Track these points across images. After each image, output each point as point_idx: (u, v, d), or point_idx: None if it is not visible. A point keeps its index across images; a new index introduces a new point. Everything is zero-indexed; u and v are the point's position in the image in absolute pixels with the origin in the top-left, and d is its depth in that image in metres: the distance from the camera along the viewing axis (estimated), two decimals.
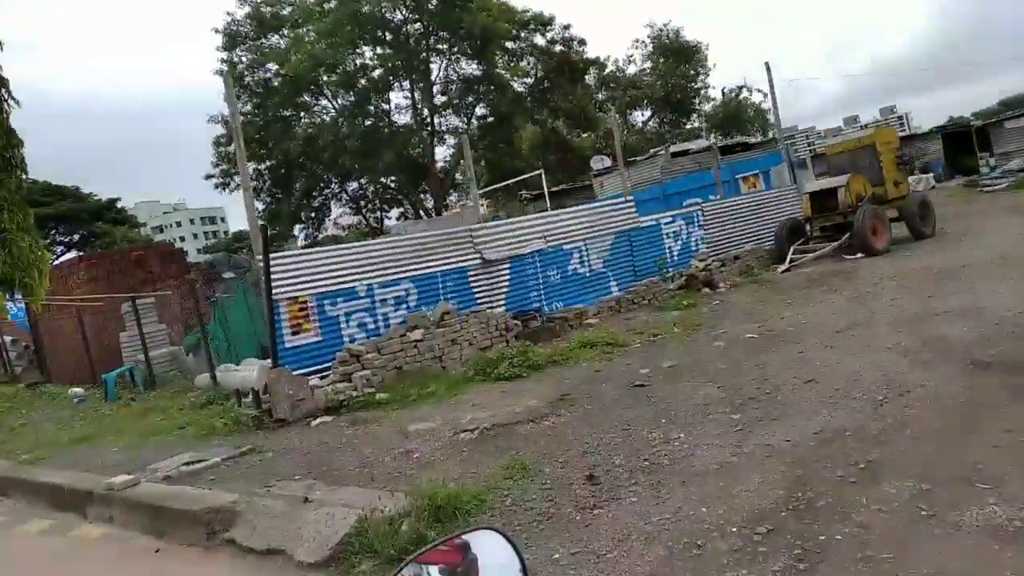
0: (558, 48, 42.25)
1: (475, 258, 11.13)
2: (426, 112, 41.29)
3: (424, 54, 39.99)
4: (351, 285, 9.82)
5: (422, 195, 45.63)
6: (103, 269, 16.52)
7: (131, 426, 9.69)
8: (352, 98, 41.03)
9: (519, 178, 37.98)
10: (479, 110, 43.58)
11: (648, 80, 56.01)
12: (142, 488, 6.18)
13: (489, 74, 38.11)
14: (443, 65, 40.43)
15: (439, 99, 40.67)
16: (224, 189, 43.30)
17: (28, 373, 19.37)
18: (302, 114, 43.21)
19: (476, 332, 10.04)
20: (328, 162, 40.44)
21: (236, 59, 39.81)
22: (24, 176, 12.82)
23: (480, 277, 11.21)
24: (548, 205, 28.66)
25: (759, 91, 63.02)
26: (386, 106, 41.72)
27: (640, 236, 13.14)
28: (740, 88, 58.32)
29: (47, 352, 18.27)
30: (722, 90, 59.22)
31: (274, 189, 44.18)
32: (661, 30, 54.75)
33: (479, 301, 11.07)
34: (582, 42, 41.59)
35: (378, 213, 50.56)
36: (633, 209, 13.29)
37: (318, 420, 7.91)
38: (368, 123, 39.42)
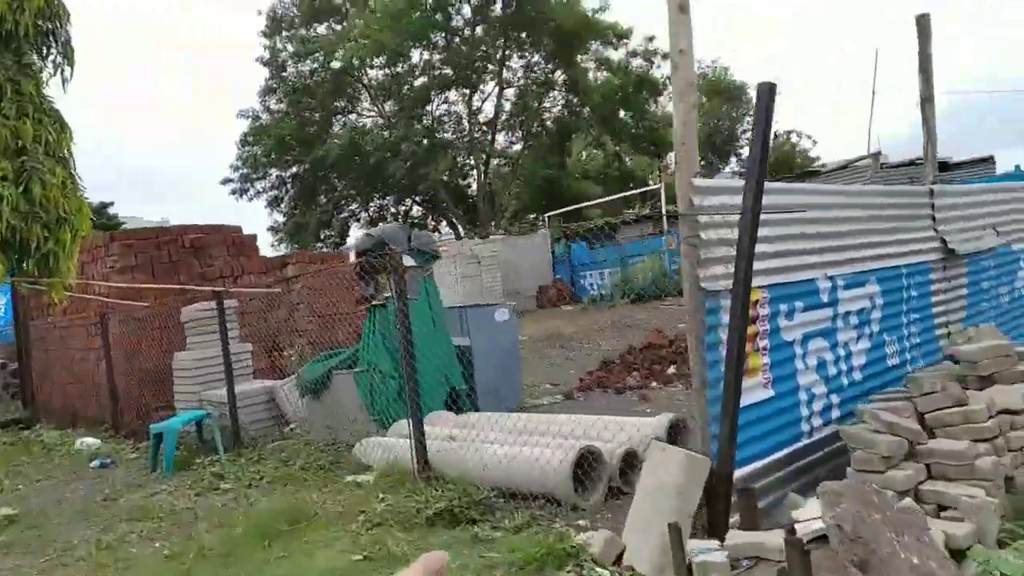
0: (637, 62, 37.53)
1: (935, 247, 5.73)
2: (468, 126, 36.11)
3: (480, 63, 34.95)
4: (808, 276, 4.33)
5: (456, 220, 40.11)
6: (144, 256, 10.88)
7: None
8: (397, 105, 35.86)
9: (595, 202, 32.96)
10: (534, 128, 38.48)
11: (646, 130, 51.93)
12: None
13: (573, 77, 33.04)
14: (509, 67, 35.42)
15: (509, 102, 35.47)
16: (242, 196, 37.70)
17: (3, 405, 13.41)
18: (335, 119, 38.03)
19: None
20: (370, 171, 35.06)
21: (280, 46, 34.56)
22: (69, 68, 7.35)
23: (939, 281, 5.81)
24: (665, 228, 23.51)
25: (808, 136, 59.43)
26: (426, 121, 36.61)
27: None
28: (789, 133, 54.52)
29: (38, 376, 12.40)
30: (774, 133, 55.34)
31: (297, 200, 38.72)
32: (708, 67, 50.00)
33: (937, 322, 5.69)
34: (666, 56, 36.74)
35: None
36: None
37: None
38: (425, 125, 34.16)
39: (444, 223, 42.29)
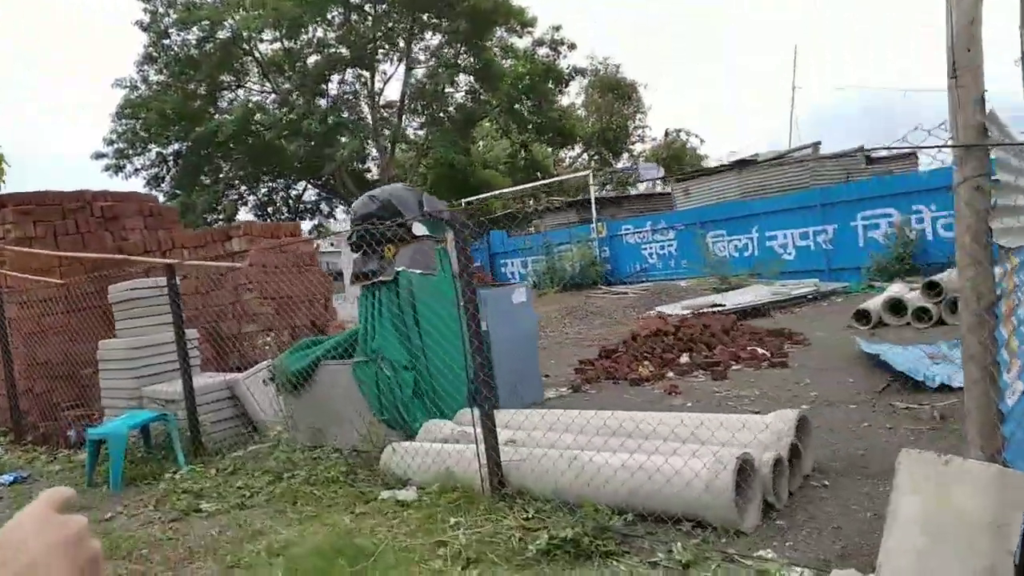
0: (543, 51, 36.94)
1: None
2: (368, 109, 34.39)
3: (381, 43, 33.31)
4: None
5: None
6: (46, 226, 9.03)
7: None
8: (293, 82, 33.61)
9: (510, 190, 32.33)
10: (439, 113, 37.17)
11: (581, 114, 52.30)
12: None
13: (484, 61, 31.98)
14: (414, 49, 33.92)
15: (411, 85, 33.90)
16: (118, 173, 34.28)
17: None
18: (221, 93, 35.37)
19: None
20: (261, 151, 32.77)
21: (161, 10, 31.47)
22: None
23: None
24: (594, 217, 22.87)
25: (696, 136, 61.98)
26: (324, 101, 34.58)
27: None
28: (679, 131, 55.95)
29: None
30: (665, 131, 56.61)
31: (179, 179, 35.68)
32: (600, 63, 50.26)
33: None
34: (572, 46, 36.35)
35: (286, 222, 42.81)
36: None
37: None
38: (324, 105, 32.15)
39: (341, 208, 40.49)
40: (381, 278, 5.83)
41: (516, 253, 25.11)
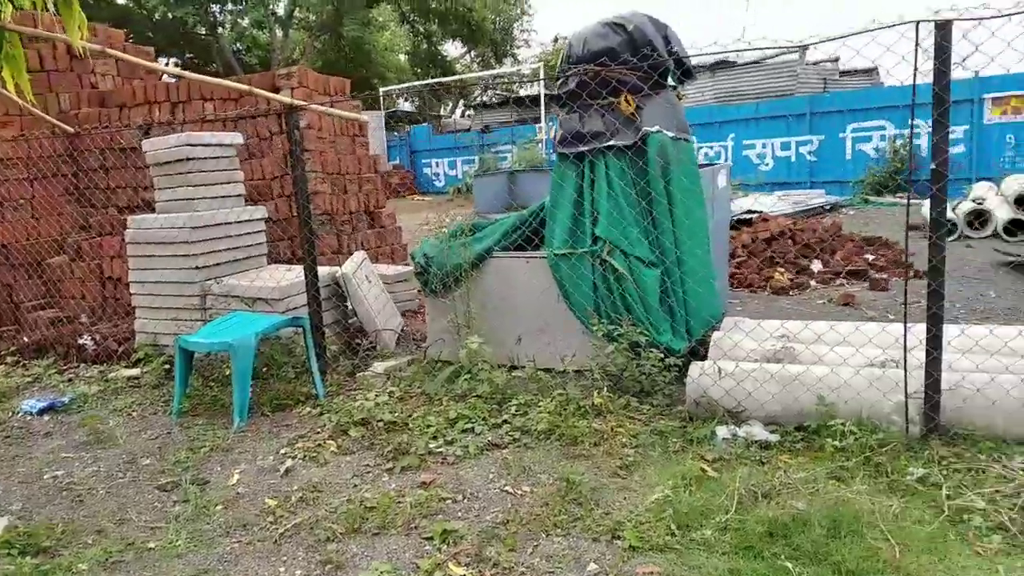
0: None
1: None
2: None
3: None
4: None
5: None
6: None
7: None
8: None
9: (423, 83, 30.13)
10: None
11: (461, 10, 49.58)
12: None
13: None
14: None
15: None
16: None
17: None
18: None
19: None
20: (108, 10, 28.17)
21: None
22: None
23: None
24: (543, 115, 21.19)
25: None
26: None
27: None
28: (565, 37, 54.47)
29: None
30: (555, 36, 54.91)
31: None
32: None
33: None
34: None
35: None
36: None
37: None
38: None
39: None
40: (613, 142, 4.34)
41: (441, 152, 23.20)
